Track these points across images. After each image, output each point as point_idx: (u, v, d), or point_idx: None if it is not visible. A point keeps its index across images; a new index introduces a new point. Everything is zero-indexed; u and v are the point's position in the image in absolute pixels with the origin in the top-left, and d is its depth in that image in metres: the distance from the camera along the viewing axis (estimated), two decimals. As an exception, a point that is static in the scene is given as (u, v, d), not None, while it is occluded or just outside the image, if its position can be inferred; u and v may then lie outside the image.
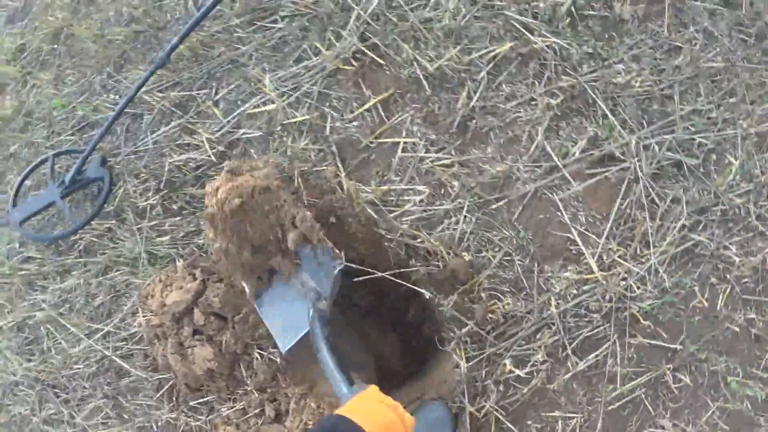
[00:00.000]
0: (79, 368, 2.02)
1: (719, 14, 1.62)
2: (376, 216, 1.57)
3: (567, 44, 1.59)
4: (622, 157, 1.55)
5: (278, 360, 1.64)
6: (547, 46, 1.58)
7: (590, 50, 1.59)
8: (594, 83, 1.60)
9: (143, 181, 1.91)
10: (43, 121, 2.22)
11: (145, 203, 1.89)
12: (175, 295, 1.69)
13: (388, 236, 1.56)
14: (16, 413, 2.19)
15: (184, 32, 1.72)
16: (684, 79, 1.58)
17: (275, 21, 1.77)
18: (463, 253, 1.52)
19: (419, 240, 1.55)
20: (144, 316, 1.84)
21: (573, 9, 1.59)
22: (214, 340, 1.68)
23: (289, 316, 1.46)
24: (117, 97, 2.01)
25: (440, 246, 1.51)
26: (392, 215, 1.56)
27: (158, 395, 1.85)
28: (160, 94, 1.92)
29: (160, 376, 1.83)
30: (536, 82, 1.58)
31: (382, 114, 1.63)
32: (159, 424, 1.88)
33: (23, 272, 2.16)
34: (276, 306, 1.51)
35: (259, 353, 1.65)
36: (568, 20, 1.59)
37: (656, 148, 1.54)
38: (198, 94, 1.87)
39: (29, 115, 2.30)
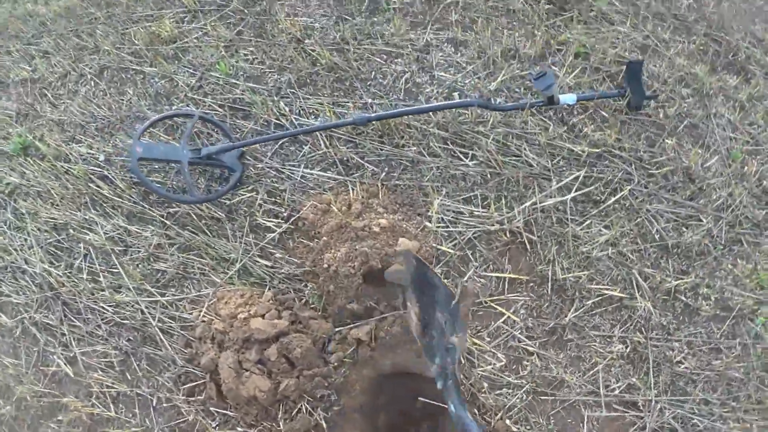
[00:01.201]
0: (105, 308, 2.14)
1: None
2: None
3: (653, 310, 2.12)
4: (641, 407, 2.08)
5: (319, 416, 1.94)
6: (644, 304, 2.09)
7: (665, 323, 2.13)
8: (655, 348, 2.13)
9: (275, 203, 2.10)
10: (194, 70, 2.32)
11: (265, 222, 2.10)
12: (261, 323, 1.91)
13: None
14: (5, 293, 2.26)
15: (394, 113, 2.00)
16: (713, 374, 2.17)
17: (466, 155, 2.12)
18: (507, 420, 1.95)
19: (482, 392, 1.96)
20: (208, 315, 2.04)
21: (674, 289, 2.14)
22: (273, 378, 1.93)
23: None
24: (286, 108, 2.18)
25: (494, 404, 1.93)
26: (468, 364, 1.98)
27: (180, 382, 2.06)
28: (336, 144, 2.15)
29: (193, 370, 2.03)
30: (618, 326, 2.08)
31: (506, 286, 2.04)
32: (163, 404, 2.07)
33: (92, 187, 2.26)
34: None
35: (307, 407, 1.94)
36: (666, 296, 2.14)
37: (667, 413, 2.09)
38: (368, 167, 2.13)
39: (183, 52, 2.38)
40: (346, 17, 2.33)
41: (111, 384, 2.03)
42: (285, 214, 2.05)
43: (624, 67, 2.28)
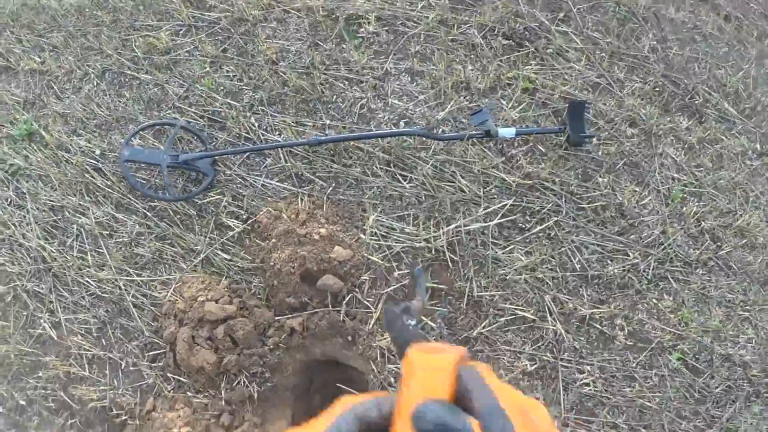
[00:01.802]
0: (90, 282, 2.59)
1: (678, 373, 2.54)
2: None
3: (566, 334, 2.42)
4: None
5: (253, 389, 2.36)
6: (554, 328, 2.41)
7: (577, 347, 2.44)
8: (564, 368, 2.44)
9: (237, 206, 2.48)
10: (183, 81, 2.70)
11: (227, 221, 2.49)
12: (214, 306, 2.32)
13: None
14: (1, 262, 2.73)
15: (343, 137, 2.37)
16: (623, 400, 2.46)
17: (405, 177, 2.46)
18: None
19: (391, 387, 2.34)
20: (174, 295, 2.46)
21: (589, 317, 2.43)
22: (219, 353, 2.35)
23: None
24: (256, 123, 2.56)
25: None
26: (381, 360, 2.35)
27: (145, 350, 2.49)
28: (292, 160, 2.52)
29: (157, 340, 2.45)
30: (529, 344, 2.40)
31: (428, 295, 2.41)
32: (129, 367, 2.51)
33: (87, 177, 2.69)
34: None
35: (245, 380, 2.35)
36: (580, 322, 2.44)
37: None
38: (317, 181, 2.50)
39: (175, 63, 2.78)
40: (319, 43, 2.68)
41: (88, 348, 2.48)
42: (244, 217, 2.45)
43: (566, 107, 2.56)
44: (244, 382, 2.33)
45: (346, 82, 2.58)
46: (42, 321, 2.59)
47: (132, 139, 2.57)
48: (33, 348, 2.60)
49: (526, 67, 2.66)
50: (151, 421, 2.36)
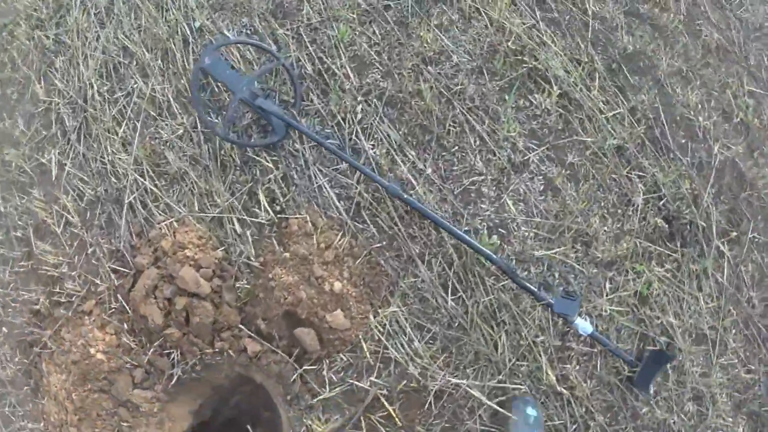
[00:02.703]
0: (109, 152, 2.36)
1: None
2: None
3: None
4: None
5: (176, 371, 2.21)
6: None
7: None
8: None
9: (281, 189, 2.14)
10: (324, 8, 2.31)
11: (261, 196, 2.16)
12: (191, 274, 2.07)
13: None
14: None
15: (422, 210, 1.95)
16: None
17: (455, 293, 2.02)
18: None
19: None
20: (169, 229, 2.24)
21: None
22: (167, 320, 2.18)
23: None
24: (359, 114, 2.15)
25: None
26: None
27: (116, 255, 2.33)
28: (364, 187, 2.12)
29: (127, 258, 2.25)
30: None
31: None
32: (92, 260, 2.38)
33: (170, 44, 2.36)
34: None
35: (176, 357, 2.21)
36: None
37: None
38: (371, 228, 2.11)
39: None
40: (485, 72, 2.16)
41: (71, 212, 2.36)
42: (280, 207, 2.14)
43: (651, 348, 2.08)
44: (175, 358, 2.19)
45: (478, 142, 2.11)
46: (51, 154, 2.47)
47: (221, 48, 2.23)
48: (33, 170, 2.52)
49: (657, 269, 2.12)
50: (76, 326, 2.29)
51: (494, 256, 1.92)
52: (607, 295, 2.10)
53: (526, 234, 2.07)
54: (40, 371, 2.43)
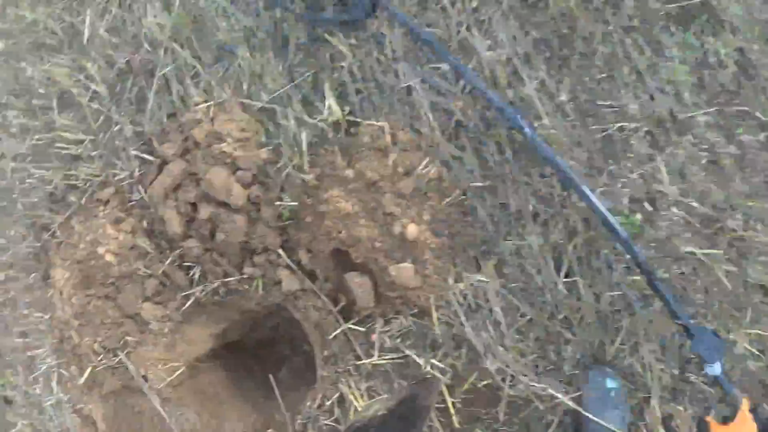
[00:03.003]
0: (148, 14, 1.94)
1: None
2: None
3: None
4: None
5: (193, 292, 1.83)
6: None
7: None
8: None
9: (356, 85, 1.63)
10: None
11: (326, 91, 1.63)
12: (222, 178, 1.61)
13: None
14: None
15: (563, 169, 1.39)
16: None
17: (568, 274, 1.51)
18: None
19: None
20: (203, 116, 1.77)
21: None
22: (186, 229, 1.76)
23: None
24: (473, 29, 1.58)
25: None
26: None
27: (136, 139, 1.91)
28: (470, 105, 1.54)
29: (154, 143, 1.83)
30: None
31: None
32: (115, 140, 1.98)
33: None
34: None
35: (197, 276, 1.81)
36: None
37: None
38: (469, 165, 1.56)
39: None
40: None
41: (99, 81, 1.94)
42: (351, 108, 1.62)
43: None
44: (195, 275, 1.79)
45: (633, 76, 1.45)
46: (86, 14, 2.03)
47: None
48: (63, 32, 2.10)
49: None
50: (88, 217, 1.92)
51: (633, 246, 1.34)
52: (745, 327, 1.50)
53: (676, 219, 1.47)
54: (48, 259, 2.12)
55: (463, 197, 1.53)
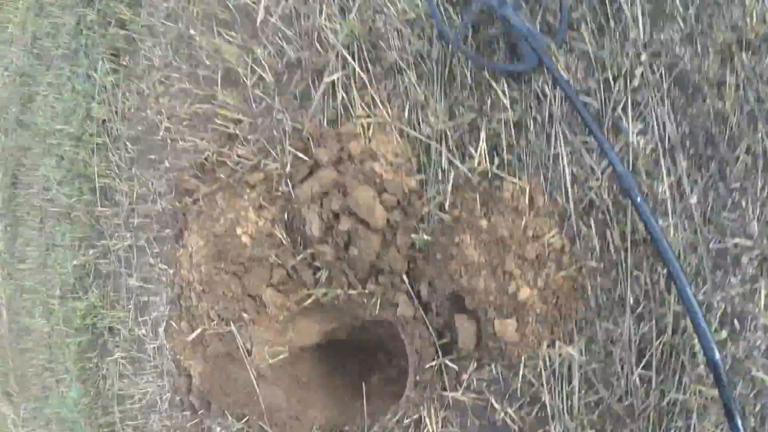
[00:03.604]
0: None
1: None
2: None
3: None
4: None
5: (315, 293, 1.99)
6: None
7: None
8: None
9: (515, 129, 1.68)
10: None
11: (494, 133, 1.74)
12: (370, 199, 1.75)
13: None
14: None
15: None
16: None
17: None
18: None
19: None
20: (338, 139, 1.87)
21: None
22: (323, 238, 1.89)
23: None
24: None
25: None
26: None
27: (292, 135, 2.04)
28: None
29: (307, 139, 1.96)
30: None
31: None
32: (280, 125, 2.15)
33: None
34: None
35: (319, 281, 1.96)
36: None
37: None
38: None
39: None
40: None
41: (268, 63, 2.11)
42: (499, 159, 1.69)
43: None
44: (321, 278, 1.94)
45: (766, 193, 1.43)
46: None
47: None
48: (236, 9, 2.27)
49: None
50: (234, 196, 2.10)
51: (717, 356, 1.34)
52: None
53: (759, 343, 1.45)
54: (186, 222, 2.35)
55: (578, 274, 1.57)
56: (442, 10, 1.76)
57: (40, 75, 3.72)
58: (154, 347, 2.65)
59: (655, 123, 1.55)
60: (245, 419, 2.22)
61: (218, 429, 2.32)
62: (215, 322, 2.22)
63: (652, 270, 1.52)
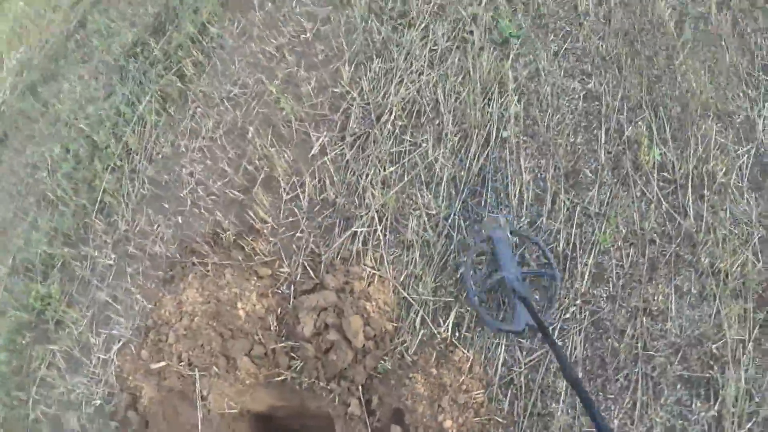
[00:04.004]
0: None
1: None
2: None
3: None
4: None
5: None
6: None
7: None
8: None
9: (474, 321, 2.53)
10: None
11: (460, 313, 2.57)
12: (359, 326, 2.47)
13: None
14: None
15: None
16: None
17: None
18: None
19: None
20: (346, 275, 2.64)
21: None
22: (314, 337, 2.57)
23: None
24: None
25: None
26: None
27: (278, 233, 2.77)
28: None
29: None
30: None
31: None
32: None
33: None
34: None
35: (292, 369, 2.62)
36: None
37: None
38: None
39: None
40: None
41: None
42: (458, 333, 2.52)
43: None
44: (295, 368, 2.57)
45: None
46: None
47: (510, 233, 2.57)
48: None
49: None
50: (242, 277, 2.69)
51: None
52: None
53: None
54: (184, 275, 2.85)
55: (487, 422, 2.38)
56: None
57: (73, 63, 3.93)
58: (99, 357, 3.00)
59: (570, 343, 2.44)
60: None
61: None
62: (183, 363, 2.71)
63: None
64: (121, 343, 2.97)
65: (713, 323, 2.44)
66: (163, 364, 2.74)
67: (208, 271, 2.78)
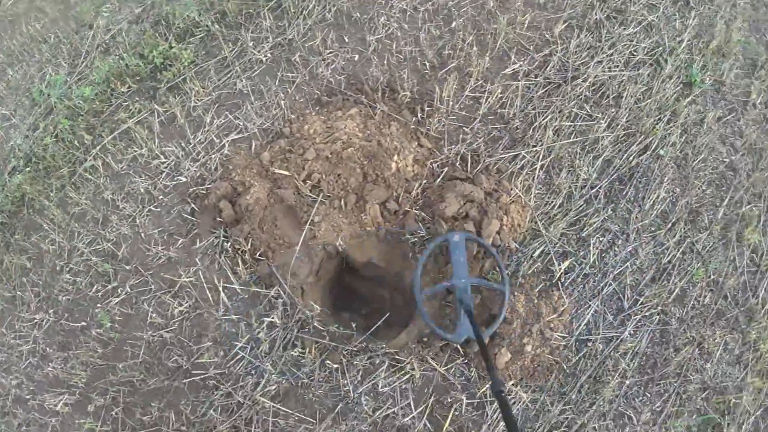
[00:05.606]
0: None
1: None
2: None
3: None
4: None
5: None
6: None
7: None
8: None
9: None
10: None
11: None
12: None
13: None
14: None
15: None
16: None
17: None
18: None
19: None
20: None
21: None
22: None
23: None
24: None
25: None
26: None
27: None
28: None
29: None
30: None
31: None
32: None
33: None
34: None
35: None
36: None
37: None
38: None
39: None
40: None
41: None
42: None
43: None
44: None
45: None
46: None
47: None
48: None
49: None
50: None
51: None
52: None
53: None
54: (341, 107, 3.08)
55: (555, 364, 2.83)
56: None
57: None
58: (207, 138, 3.01)
59: (639, 335, 2.94)
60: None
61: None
62: (309, 182, 2.88)
63: None
64: (239, 134, 3.07)
65: (737, 384, 3.07)
66: (287, 173, 2.91)
67: (375, 114, 3.03)
